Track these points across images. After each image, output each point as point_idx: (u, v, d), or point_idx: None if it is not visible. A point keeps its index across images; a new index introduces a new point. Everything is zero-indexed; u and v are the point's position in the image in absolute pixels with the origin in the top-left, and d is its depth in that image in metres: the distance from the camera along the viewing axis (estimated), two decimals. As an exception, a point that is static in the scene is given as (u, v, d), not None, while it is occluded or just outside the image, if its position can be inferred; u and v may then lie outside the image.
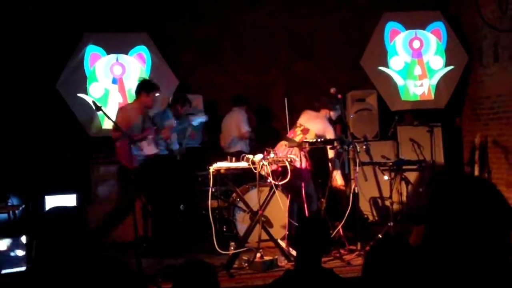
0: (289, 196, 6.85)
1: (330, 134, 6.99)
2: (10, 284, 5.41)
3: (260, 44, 9.48)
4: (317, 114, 7.21)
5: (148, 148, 6.97)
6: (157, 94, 7.24)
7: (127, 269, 2.84)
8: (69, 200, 7.68)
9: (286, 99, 7.11)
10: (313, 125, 7.08)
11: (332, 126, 7.17)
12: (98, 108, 6.25)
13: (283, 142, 7.07)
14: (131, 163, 6.36)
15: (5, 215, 6.51)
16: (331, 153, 6.91)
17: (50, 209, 2.98)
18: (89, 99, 8.22)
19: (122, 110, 7.27)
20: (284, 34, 9.55)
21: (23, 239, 5.88)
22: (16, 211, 6.46)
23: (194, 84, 9.13)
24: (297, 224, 6.80)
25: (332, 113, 7.21)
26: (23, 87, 8.41)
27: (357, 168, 6.60)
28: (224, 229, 7.40)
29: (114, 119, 6.68)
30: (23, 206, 6.89)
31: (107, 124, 8.16)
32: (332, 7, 9.64)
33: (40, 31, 8.53)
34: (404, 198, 7.72)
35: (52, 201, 7.63)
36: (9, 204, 6.89)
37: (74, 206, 6.44)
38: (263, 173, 6.18)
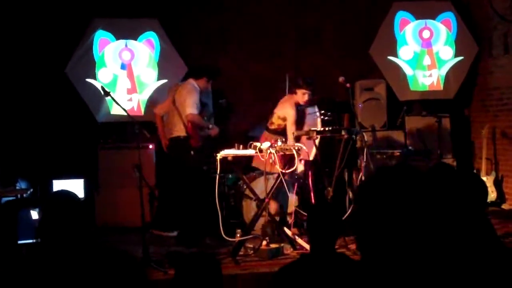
0: (296, 184, 6.85)
1: (289, 119, 7.06)
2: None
3: (268, 33, 9.44)
4: (285, 98, 7.30)
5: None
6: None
7: (127, 258, 2.85)
8: (76, 185, 7.72)
9: (287, 75, 7.03)
10: (279, 109, 7.22)
11: (295, 110, 7.14)
12: (107, 94, 6.28)
13: (266, 133, 7.12)
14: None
15: (13, 199, 6.56)
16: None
17: (58, 191, 3.01)
18: (97, 84, 8.22)
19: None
20: (293, 23, 9.51)
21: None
22: (24, 195, 6.50)
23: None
24: (302, 212, 6.84)
25: (299, 97, 7.14)
26: (32, 72, 8.43)
27: (365, 157, 6.60)
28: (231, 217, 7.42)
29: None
30: (31, 190, 6.93)
31: (115, 110, 8.18)
32: (342, -4, 9.61)
33: (50, 16, 8.53)
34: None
35: (59, 186, 7.68)
36: (17, 187, 6.93)
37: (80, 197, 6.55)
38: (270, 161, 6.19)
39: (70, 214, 2.79)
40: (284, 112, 7.15)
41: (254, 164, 7.05)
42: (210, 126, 7.25)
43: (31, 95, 8.39)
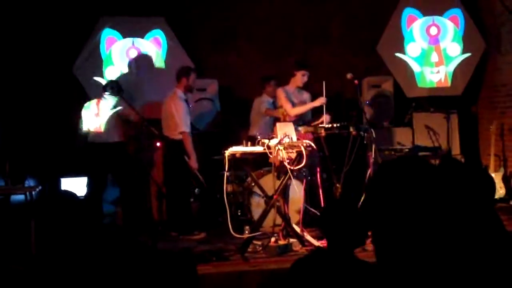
0: (304, 181, 6.83)
1: (281, 100, 7.29)
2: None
3: (276, 29, 9.43)
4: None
5: None
6: None
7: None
8: (84, 182, 7.72)
9: (324, 82, 7.00)
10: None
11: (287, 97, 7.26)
12: (120, 92, 6.31)
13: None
14: None
15: (22, 196, 6.57)
16: None
17: (62, 192, 3.02)
18: (104, 83, 8.23)
19: None
20: (301, 20, 9.49)
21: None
22: (33, 192, 6.51)
23: (210, 69, 9.11)
24: (312, 209, 6.83)
25: (298, 78, 7.30)
26: (40, 70, 8.44)
27: (373, 154, 6.59)
28: (239, 213, 7.42)
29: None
30: (40, 187, 6.94)
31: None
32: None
33: (57, 15, 8.54)
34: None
35: (67, 183, 7.70)
36: (26, 185, 6.95)
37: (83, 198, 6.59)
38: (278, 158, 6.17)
39: (70, 215, 2.80)
40: (278, 100, 7.30)
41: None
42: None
43: (39, 93, 8.40)
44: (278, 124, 6.45)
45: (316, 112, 7.31)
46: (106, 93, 7.26)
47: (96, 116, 7.31)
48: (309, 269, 2.92)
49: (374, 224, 1.75)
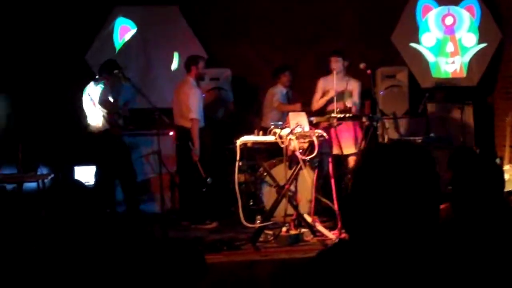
0: (316, 170, 6.80)
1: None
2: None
3: (288, 19, 9.36)
4: None
5: None
6: None
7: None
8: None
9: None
10: None
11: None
12: (127, 80, 6.29)
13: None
14: None
15: (34, 184, 6.60)
16: None
17: (64, 181, 3.03)
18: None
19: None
20: (313, 9, 9.41)
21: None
22: (45, 180, 6.54)
23: (223, 59, 9.08)
24: (323, 199, 6.81)
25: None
26: (54, 59, 8.46)
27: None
28: (251, 203, 7.41)
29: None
30: (52, 175, 6.97)
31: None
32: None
33: (71, 4, 8.55)
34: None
35: (80, 172, 7.71)
36: (38, 173, 6.97)
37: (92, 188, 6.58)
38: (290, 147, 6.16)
39: (78, 204, 2.80)
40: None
41: None
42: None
43: (53, 81, 8.42)
44: (290, 114, 6.44)
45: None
46: (116, 76, 7.13)
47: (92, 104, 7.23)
48: (334, 263, 2.87)
49: (358, 207, 1.70)
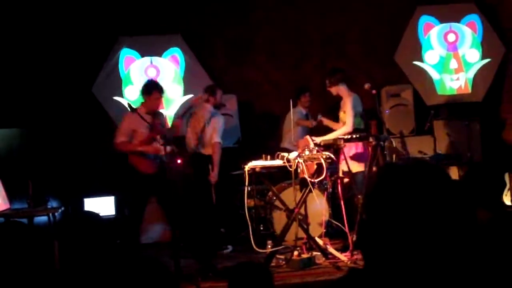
0: (325, 193, 6.80)
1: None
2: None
3: (292, 42, 9.43)
4: None
5: None
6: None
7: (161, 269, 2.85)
8: (107, 202, 7.77)
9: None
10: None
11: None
12: (134, 110, 6.30)
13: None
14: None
15: (45, 218, 6.62)
16: None
17: (80, 213, 3.04)
18: (124, 102, 8.28)
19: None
20: (317, 31, 9.48)
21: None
22: (56, 213, 6.56)
23: (228, 84, 9.11)
24: (334, 221, 6.79)
25: None
26: (60, 90, 8.53)
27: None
28: (261, 228, 7.39)
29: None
30: (63, 208, 6.99)
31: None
32: (364, 3, 9.54)
33: (76, 35, 8.65)
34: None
35: (90, 203, 7.73)
36: (48, 206, 6.99)
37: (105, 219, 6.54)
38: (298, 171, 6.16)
39: (94, 235, 2.81)
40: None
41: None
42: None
43: (60, 113, 8.48)
44: (300, 141, 6.51)
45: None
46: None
47: None
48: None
49: (373, 227, 1.60)
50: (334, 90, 7.17)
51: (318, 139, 6.62)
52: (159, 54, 8.89)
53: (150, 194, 6.78)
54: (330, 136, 6.84)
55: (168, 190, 6.27)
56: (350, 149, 6.91)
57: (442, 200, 1.54)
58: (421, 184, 1.56)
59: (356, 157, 6.94)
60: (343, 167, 6.80)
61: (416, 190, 1.55)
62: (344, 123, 7.05)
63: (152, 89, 6.65)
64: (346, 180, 6.91)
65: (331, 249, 6.26)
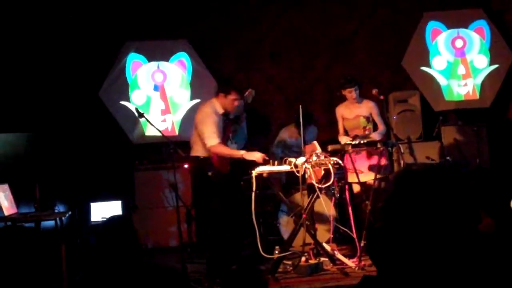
0: (333, 198, 6.77)
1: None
2: None
3: (299, 48, 9.43)
4: None
5: None
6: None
7: (175, 275, 2.85)
8: (114, 206, 7.77)
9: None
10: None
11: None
12: (141, 115, 6.29)
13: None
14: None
15: (52, 222, 6.61)
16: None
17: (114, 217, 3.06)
18: (131, 107, 8.26)
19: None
20: (324, 37, 9.48)
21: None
22: (63, 218, 6.55)
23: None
24: (341, 227, 6.76)
25: None
26: (67, 95, 8.55)
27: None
28: (268, 234, 7.36)
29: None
30: (70, 213, 6.98)
31: (150, 131, 8.25)
32: (371, 9, 9.54)
33: (83, 40, 8.67)
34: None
35: (97, 208, 7.73)
36: (56, 211, 6.99)
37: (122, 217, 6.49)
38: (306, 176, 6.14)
39: (127, 237, 2.84)
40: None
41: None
42: (242, 152, 6.21)
43: (67, 118, 8.49)
44: (307, 146, 6.48)
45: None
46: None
47: None
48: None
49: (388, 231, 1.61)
50: (357, 94, 7.25)
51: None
52: (166, 59, 8.88)
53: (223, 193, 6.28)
54: (374, 137, 6.87)
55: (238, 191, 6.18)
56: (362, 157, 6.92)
57: (461, 206, 1.53)
58: (440, 190, 1.56)
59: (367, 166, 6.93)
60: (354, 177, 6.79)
61: (435, 196, 1.55)
62: (365, 128, 7.02)
63: (230, 89, 6.28)
64: (357, 189, 6.94)
65: (338, 255, 6.24)
